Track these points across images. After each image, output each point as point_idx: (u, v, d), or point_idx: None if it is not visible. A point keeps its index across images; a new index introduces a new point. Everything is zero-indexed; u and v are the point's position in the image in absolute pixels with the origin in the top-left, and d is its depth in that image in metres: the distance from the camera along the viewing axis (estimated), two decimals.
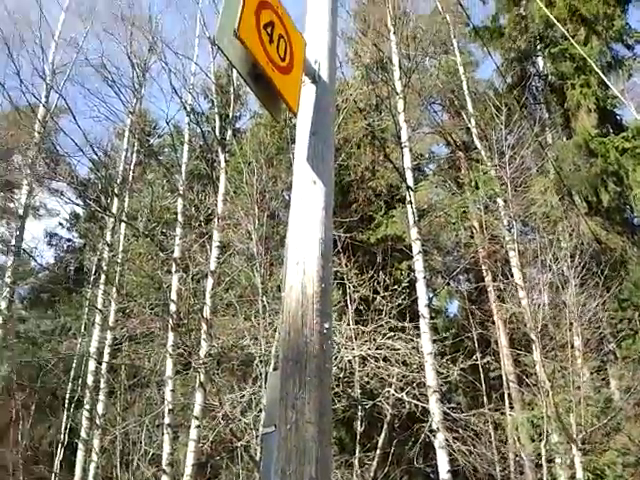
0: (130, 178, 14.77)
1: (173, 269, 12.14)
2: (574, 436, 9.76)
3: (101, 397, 12.49)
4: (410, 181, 11.96)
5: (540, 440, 10.62)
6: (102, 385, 12.62)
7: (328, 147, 3.24)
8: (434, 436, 9.71)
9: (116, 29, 14.87)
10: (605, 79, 14.40)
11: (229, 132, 13.13)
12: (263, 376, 9.33)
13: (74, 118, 12.93)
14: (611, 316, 13.00)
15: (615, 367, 12.61)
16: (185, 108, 13.86)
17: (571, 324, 10.67)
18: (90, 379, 12.81)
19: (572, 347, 10.60)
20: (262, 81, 3.01)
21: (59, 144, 18.09)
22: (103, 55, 14.55)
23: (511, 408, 13.81)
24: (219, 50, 2.87)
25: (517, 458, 12.13)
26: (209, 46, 13.91)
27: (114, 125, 16.07)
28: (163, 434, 11.06)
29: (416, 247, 11.27)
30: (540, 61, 17.64)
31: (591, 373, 11.60)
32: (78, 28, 16.80)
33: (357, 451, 11.43)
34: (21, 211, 15.88)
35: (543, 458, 10.45)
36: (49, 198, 17.99)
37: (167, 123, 15.57)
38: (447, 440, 9.56)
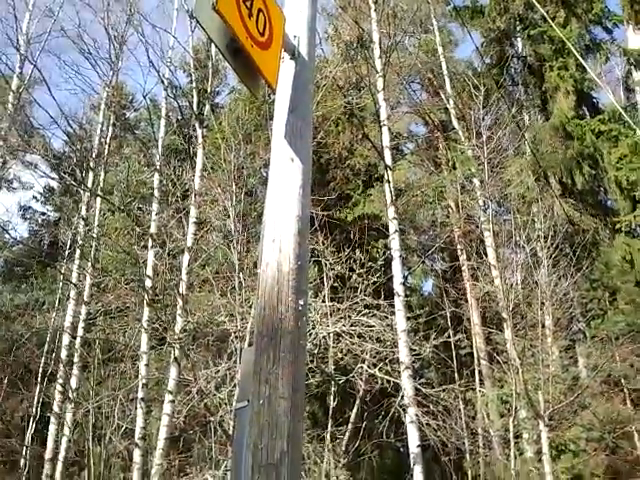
0: (106, 152, 14.55)
1: (149, 244, 12.07)
2: (541, 412, 10.00)
3: (75, 371, 12.44)
4: (388, 160, 11.99)
5: (509, 416, 10.87)
6: (76, 359, 12.57)
7: (307, 124, 3.24)
8: (405, 411, 9.87)
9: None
10: (583, 62, 14.50)
11: (207, 107, 13.01)
12: (238, 352, 9.37)
13: (49, 90, 12.77)
14: (582, 296, 13.28)
15: (583, 346, 12.90)
16: (162, 82, 13.66)
17: (542, 304, 10.86)
18: (64, 353, 12.74)
19: (543, 326, 10.81)
20: (241, 56, 2.99)
21: (33, 116, 17.70)
22: (79, 26, 14.27)
23: (481, 385, 14.09)
24: (197, 23, 2.85)
25: (485, 433, 12.40)
26: (188, 19, 13.71)
27: (90, 98, 15.81)
28: (136, 408, 11.09)
29: (393, 226, 11.34)
30: (519, 42, 17.69)
31: (560, 352, 11.85)
32: None
33: (329, 425, 11.58)
34: None
35: (511, 434, 10.71)
36: (23, 171, 17.71)
37: (144, 97, 15.33)
38: (417, 415, 9.73)
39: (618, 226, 14.33)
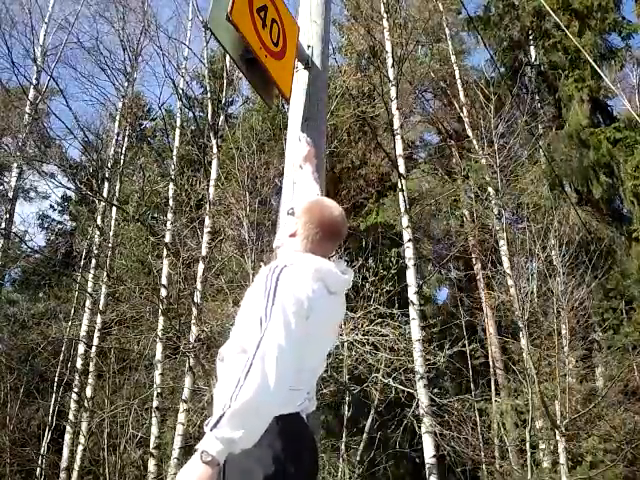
0: (122, 162, 14.69)
1: (164, 254, 12.14)
2: (558, 422, 9.90)
3: (90, 380, 12.50)
4: (402, 169, 12.00)
5: (525, 426, 10.77)
6: (91, 368, 12.63)
7: (320, 134, 3.26)
8: (419, 421, 9.82)
9: (108, 11, 14.80)
10: (600, 72, 14.43)
11: (221, 117, 13.08)
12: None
13: (65, 101, 12.91)
14: (598, 305, 13.15)
15: (600, 355, 12.77)
16: (177, 92, 13.78)
17: (558, 312, 10.78)
18: (79, 362, 12.81)
19: (559, 335, 10.72)
20: (254, 66, 3.02)
21: (50, 127, 17.92)
22: (95, 38, 14.47)
23: (497, 394, 13.97)
24: (211, 34, 2.87)
25: (501, 444, 12.29)
26: (202, 30, 13.83)
27: (106, 108, 15.96)
28: (151, 417, 11.12)
29: (407, 235, 11.33)
30: (532, 50, 17.65)
31: (577, 361, 11.74)
32: (69, 9, 16.64)
33: (344, 435, 11.53)
34: (11, 194, 15.80)
35: (527, 444, 10.61)
36: (39, 181, 17.88)
37: (159, 107, 15.53)
38: (433, 425, 9.67)
39: (635, 235, 14.21)
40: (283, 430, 1.80)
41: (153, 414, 10.98)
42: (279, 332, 1.74)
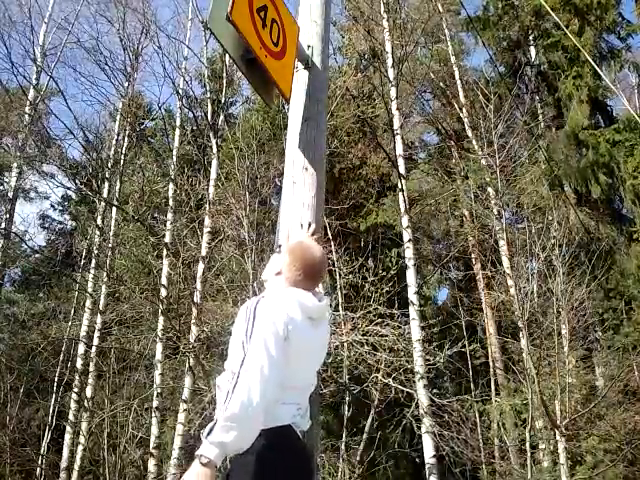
0: (122, 162, 14.69)
1: (164, 254, 12.14)
2: (558, 422, 9.90)
3: (90, 380, 12.50)
4: (402, 169, 12.01)
5: (525, 426, 10.77)
6: (91, 368, 12.62)
7: (320, 134, 3.26)
8: (419, 421, 9.82)
9: (108, 11, 14.80)
10: (600, 71, 14.43)
11: (221, 117, 13.09)
12: None
13: (65, 101, 12.90)
14: (598, 305, 13.15)
15: (600, 355, 12.77)
16: (177, 92, 13.78)
17: (558, 312, 10.78)
18: (79, 362, 12.81)
19: (559, 335, 10.72)
20: (255, 66, 3.02)
21: (50, 127, 17.94)
22: (95, 38, 14.49)
23: (497, 394, 13.98)
24: (212, 34, 2.87)
25: (501, 444, 12.30)
26: (202, 30, 13.84)
27: (105, 108, 15.97)
28: (151, 417, 11.12)
29: (407, 235, 11.34)
30: (532, 50, 17.64)
31: (577, 361, 11.74)
32: (69, 9, 16.66)
33: (344, 435, 11.52)
34: (11, 194, 15.81)
35: (527, 444, 10.61)
36: (40, 181, 17.89)
37: (159, 107, 15.54)
38: (432, 425, 9.67)
39: (635, 235, 14.21)
40: (272, 442, 2.03)
41: (153, 414, 10.99)
42: (259, 351, 2.00)
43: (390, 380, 10.14)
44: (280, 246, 2.52)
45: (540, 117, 16.71)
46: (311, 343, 2.27)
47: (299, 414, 2.19)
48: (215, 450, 1.86)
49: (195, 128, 15.44)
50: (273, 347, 2.01)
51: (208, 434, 1.88)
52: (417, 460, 15.13)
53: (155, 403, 11.01)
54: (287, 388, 2.10)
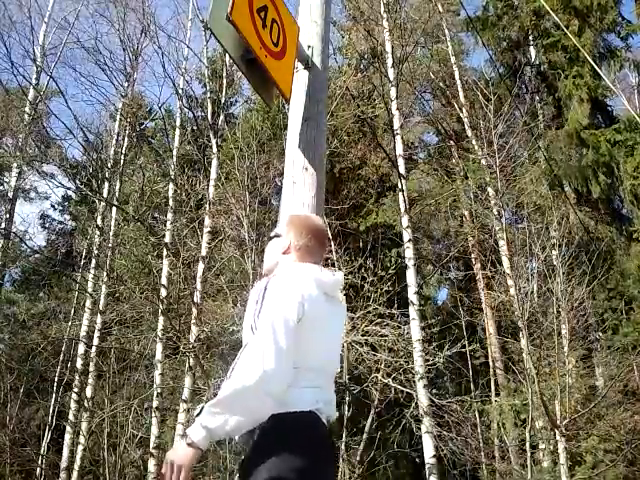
0: (122, 162, 14.69)
1: (164, 254, 12.14)
2: (558, 422, 9.90)
3: (90, 380, 12.50)
4: (402, 169, 12.01)
5: (525, 426, 10.78)
6: (91, 368, 12.62)
7: (320, 134, 3.26)
8: (419, 421, 9.82)
9: (108, 11, 14.80)
10: (600, 71, 14.43)
11: (222, 117, 13.09)
12: None
13: (65, 101, 12.89)
14: (598, 305, 13.16)
15: (600, 355, 12.77)
16: (177, 92, 13.78)
17: (558, 312, 10.78)
18: (79, 362, 12.81)
19: (559, 335, 10.72)
20: (255, 66, 3.02)
21: (50, 127, 17.95)
22: (95, 38, 14.48)
23: (497, 394, 13.98)
24: (212, 34, 2.87)
25: (501, 444, 12.30)
26: (202, 30, 13.83)
27: (106, 108, 15.97)
28: (151, 417, 11.12)
29: (407, 235, 11.35)
30: (532, 50, 17.65)
31: (577, 361, 11.74)
32: (69, 9, 16.65)
33: (344, 435, 11.53)
34: (11, 194, 15.82)
35: (527, 444, 10.61)
36: (39, 181, 17.90)
37: (159, 107, 15.54)
38: (432, 425, 9.67)
39: (635, 235, 14.21)
40: (288, 429, 1.88)
41: (153, 414, 10.99)
42: (266, 331, 1.87)
43: (390, 380, 10.15)
44: (275, 234, 2.35)
45: (540, 117, 16.72)
46: (328, 321, 2.13)
47: (323, 400, 2.01)
48: (201, 432, 1.80)
49: (195, 128, 15.44)
50: (283, 327, 1.87)
51: (197, 414, 1.84)
52: (417, 460, 15.15)
53: (155, 403, 11.01)
54: (305, 370, 1.95)
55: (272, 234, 2.37)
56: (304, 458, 1.85)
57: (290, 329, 1.89)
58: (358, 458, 11.62)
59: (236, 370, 1.85)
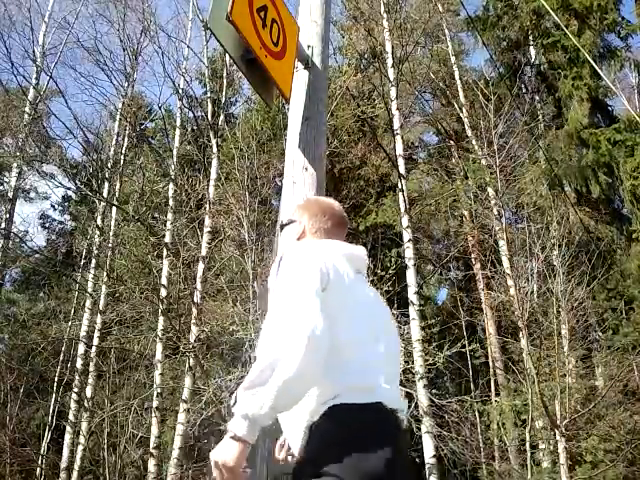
0: (122, 162, 14.69)
1: (164, 254, 12.14)
2: (558, 422, 9.90)
3: (90, 380, 12.50)
4: (402, 169, 12.01)
5: (524, 426, 10.78)
6: (91, 368, 12.63)
7: (320, 134, 3.26)
8: (419, 422, 9.81)
9: (108, 11, 14.81)
10: (600, 71, 14.41)
11: (222, 117, 13.09)
12: (252, 361, 9.36)
13: (65, 101, 12.89)
14: (598, 305, 13.15)
15: (600, 355, 12.77)
16: (177, 92, 13.78)
17: (558, 312, 10.78)
18: (79, 362, 12.81)
19: (559, 335, 10.72)
20: (255, 66, 3.02)
21: (50, 127, 17.95)
22: (95, 38, 14.49)
23: (497, 395, 13.98)
24: (212, 34, 2.87)
25: (501, 444, 12.30)
26: (203, 29, 13.84)
27: (106, 108, 15.98)
28: (151, 417, 11.12)
29: (407, 235, 11.34)
30: (532, 50, 17.65)
31: (576, 361, 11.74)
32: (69, 9, 16.65)
33: None
34: (11, 194, 15.82)
35: (527, 444, 10.61)
36: (39, 181, 17.90)
37: (159, 107, 15.55)
38: (432, 426, 9.67)
39: (635, 235, 14.21)
40: (340, 424, 1.62)
41: (153, 414, 10.99)
42: (286, 302, 1.64)
43: None
44: (288, 221, 2.12)
45: (540, 117, 16.71)
46: (367, 298, 1.86)
47: (387, 388, 1.71)
48: (242, 422, 1.54)
49: (195, 128, 15.45)
50: (304, 295, 1.62)
51: (234, 404, 1.58)
52: (417, 460, 15.13)
53: (155, 403, 11.01)
54: (336, 348, 1.62)
55: (284, 222, 2.15)
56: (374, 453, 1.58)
57: (317, 292, 1.64)
58: None
59: (263, 347, 1.60)
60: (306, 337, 1.54)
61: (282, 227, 2.17)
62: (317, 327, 1.56)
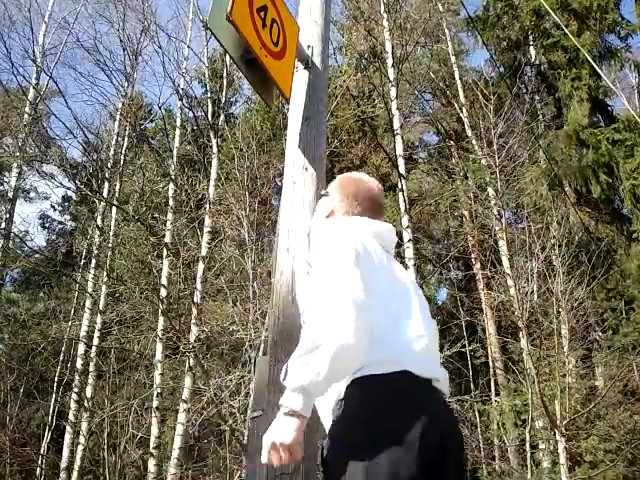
0: (122, 162, 14.68)
1: (164, 254, 12.13)
2: (558, 422, 9.90)
3: (90, 380, 12.50)
4: (402, 169, 12.01)
5: (524, 426, 10.78)
6: (91, 368, 12.63)
7: (320, 134, 3.25)
8: None
9: (108, 11, 14.81)
10: (600, 71, 14.41)
11: (222, 117, 13.09)
12: (252, 361, 9.38)
13: (65, 101, 12.88)
14: (598, 305, 13.16)
15: (600, 355, 12.78)
16: (177, 92, 13.78)
17: (558, 312, 10.78)
18: (79, 362, 12.81)
19: (559, 335, 10.72)
20: (254, 66, 3.01)
21: (50, 127, 17.95)
22: (94, 38, 14.48)
23: (497, 394, 13.97)
24: (211, 34, 2.87)
25: (501, 444, 12.29)
26: (203, 29, 13.83)
27: (106, 108, 15.97)
28: (151, 417, 11.12)
29: (407, 235, 11.34)
30: (532, 50, 17.65)
31: (576, 361, 11.74)
32: (69, 9, 16.64)
33: None
34: (11, 194, 15.81)
35: (527, 444, 10.61)
36: (39, 181, 17.89)
37: (159, 107, 15.54)
38: None
39: (635, 235, 14.21)
40: (374, 392, 1.59)
41: (153, 414, 10.98)
42: (327, 275, 1.65)
43: None
44: (325, 192, 2.12)
45: (540, 117, 16.71)
46: (394, 275, 1.83)
47: (426, 360, 1.69)
48: (297, 396, 1.49)
49: (195, 128, 15.44)
50: (335, 266, 1.64)
51: (284, 379, 1.54)
52: None
53: (155, 403, 11.01)
54: (374, 319, 1.61)
55: (322, 192, 2.17)
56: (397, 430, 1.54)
57: (355, 263, 1.66)
58: None
59: (310, 317, 1.60)
60: (352, 302, 1.55)
61: (320, 197, 2.19)
62: (359, 294, 1.58)
